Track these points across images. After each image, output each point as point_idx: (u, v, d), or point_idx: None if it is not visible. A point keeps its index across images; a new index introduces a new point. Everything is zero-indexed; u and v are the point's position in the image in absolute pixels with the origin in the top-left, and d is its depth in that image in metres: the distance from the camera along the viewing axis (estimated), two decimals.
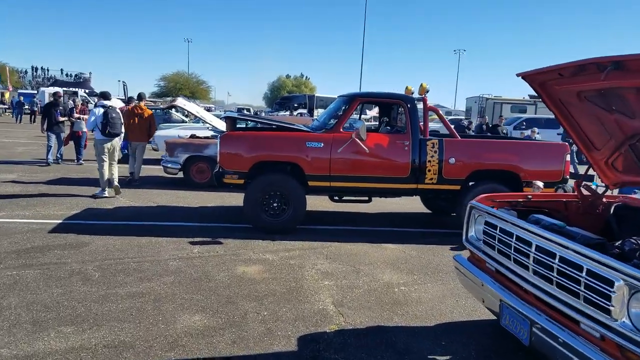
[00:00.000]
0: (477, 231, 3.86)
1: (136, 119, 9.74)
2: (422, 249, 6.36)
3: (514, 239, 3.22)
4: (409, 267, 5.53)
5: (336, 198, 7.23)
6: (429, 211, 8.75)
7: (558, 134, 21.01)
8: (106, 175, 8.52)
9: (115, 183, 8.61)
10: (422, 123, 6.97)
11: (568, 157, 6.96)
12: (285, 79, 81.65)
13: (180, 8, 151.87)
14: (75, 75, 54.49)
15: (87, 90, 42.16)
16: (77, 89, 39.38)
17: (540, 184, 6.68)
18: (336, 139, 6.58)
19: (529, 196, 3.92)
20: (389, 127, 7.77)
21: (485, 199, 3.93)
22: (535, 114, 27.31)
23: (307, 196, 6.76)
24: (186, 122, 15.52)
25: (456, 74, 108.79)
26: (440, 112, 7.32)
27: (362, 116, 12.88)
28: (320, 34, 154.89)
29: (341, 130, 6.67)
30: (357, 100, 6.88)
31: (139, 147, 9.95)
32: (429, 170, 6.76)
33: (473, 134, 13.46)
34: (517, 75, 3.76)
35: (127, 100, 11.78)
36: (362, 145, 6.55)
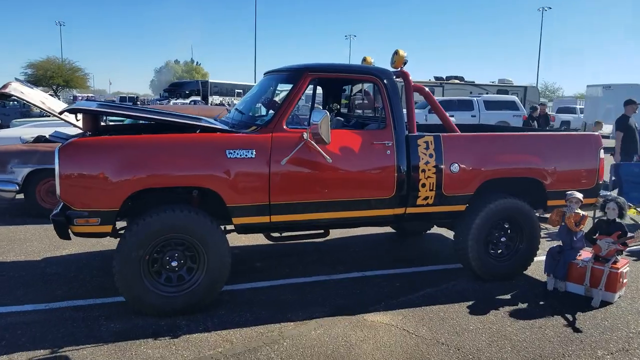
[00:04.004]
0: None
1: None
2: (427, 315, 3.90)
3: None
4: None
5: (276, 235, 4.47)
6: (390, 230, 6.32)
7: (515, 116, 20.03)
8: None
9: None
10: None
11: (602, 154, 4.90)
12: (174, 65, 75.66)
13: None
14: None
15: None
16: None
17: (579, 196, 4.52)
18: (278, 143, 3.82)
19: None
20: (340, 119, 5.17)
21: None
22: (443, 95, 26.60)
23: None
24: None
25: (348, 59, 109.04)
26: (428, 91, 4.85)
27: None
28: (210, 17, 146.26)
29: (285, 126, 3.91)
30: (307, 77, 4.11)
31: None
32: (424, 185, 4.27)
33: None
34: None
35: None
36: (322, 152, 3.86)
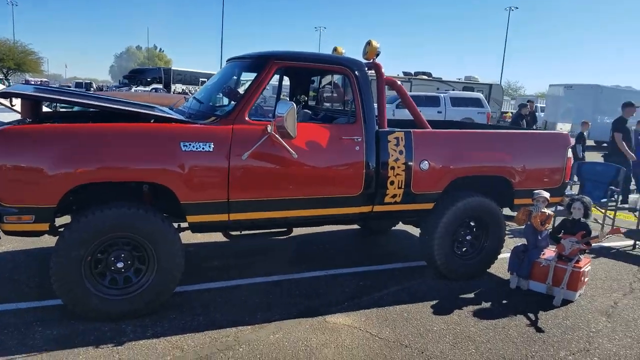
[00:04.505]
0: None
1: None
2: (391, 316, 3.76)
3: None
4: None
5: (236, 233, 4.21)
6: (355, 226, 6.15)
7: (479, 113, 20.21)
8: None
9: None
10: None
11: (570, 153, 4.87)
12: (135, 50, 73.37)
13: None
14: None
15: None
16: None
17: (546, 195, 4.48)
18: (239, 136, 3.56)
19: None
20: (308, 111, 4.94)
21: None
22: (410, 91, 26.70)
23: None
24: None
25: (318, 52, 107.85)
26: (400, 85, 4.68)
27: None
28: (175, 2, 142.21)
29: (247, 118, 3.65)
30: (273, 65, 3.86)
31: None
32: (392, 183, 4.11)
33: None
34: None
35: None
36: (287, 147, 3.63)
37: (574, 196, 4.56)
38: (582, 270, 4.23)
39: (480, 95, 22.52)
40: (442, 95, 20.87)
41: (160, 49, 75.73)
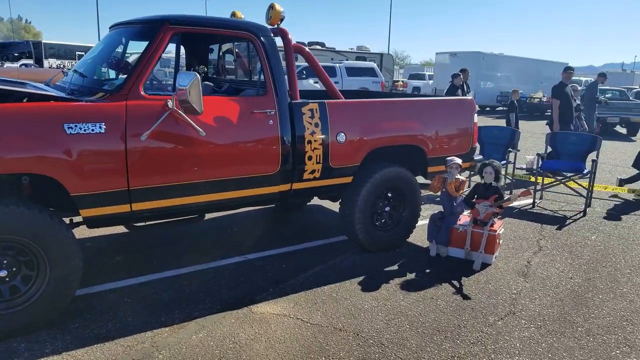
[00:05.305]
0: None
1: None
2: (320, 298, 3.59)
3: None
4: None
5: (140, 224, 3.70)
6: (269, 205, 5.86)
7: (374, 82, 20.27)
8: None
9: None
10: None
11: (476, 118, 4.99)
12: None
13: None
14: None
15: None
16: None
17: (459, 161, 4.56)
18: (135, 113, 3.06)
19: None
20: (210, 84, 4.50)
21: None
22: (305, 61, 26.44)
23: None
24: None
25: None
26: (309, 51, 4.39)
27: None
28: None
29: (142, 92, 3.15)
30: (168, 30, 3.33)
31: None
32: (310, 158, 3.87)
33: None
34: None
35: None
36: (193, 124, 3.21)
37: (484, 161, 4.68)
38: (497, 233, 4.38)
39: (374, 64, 22.98)
40: (337, 65, 20.92)
41: (27, 21, 67.50)
